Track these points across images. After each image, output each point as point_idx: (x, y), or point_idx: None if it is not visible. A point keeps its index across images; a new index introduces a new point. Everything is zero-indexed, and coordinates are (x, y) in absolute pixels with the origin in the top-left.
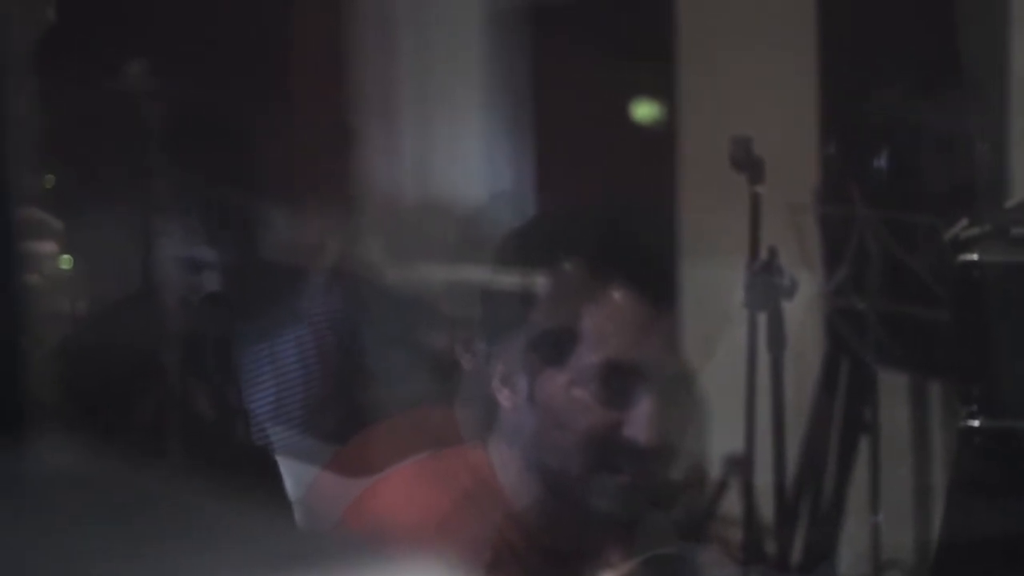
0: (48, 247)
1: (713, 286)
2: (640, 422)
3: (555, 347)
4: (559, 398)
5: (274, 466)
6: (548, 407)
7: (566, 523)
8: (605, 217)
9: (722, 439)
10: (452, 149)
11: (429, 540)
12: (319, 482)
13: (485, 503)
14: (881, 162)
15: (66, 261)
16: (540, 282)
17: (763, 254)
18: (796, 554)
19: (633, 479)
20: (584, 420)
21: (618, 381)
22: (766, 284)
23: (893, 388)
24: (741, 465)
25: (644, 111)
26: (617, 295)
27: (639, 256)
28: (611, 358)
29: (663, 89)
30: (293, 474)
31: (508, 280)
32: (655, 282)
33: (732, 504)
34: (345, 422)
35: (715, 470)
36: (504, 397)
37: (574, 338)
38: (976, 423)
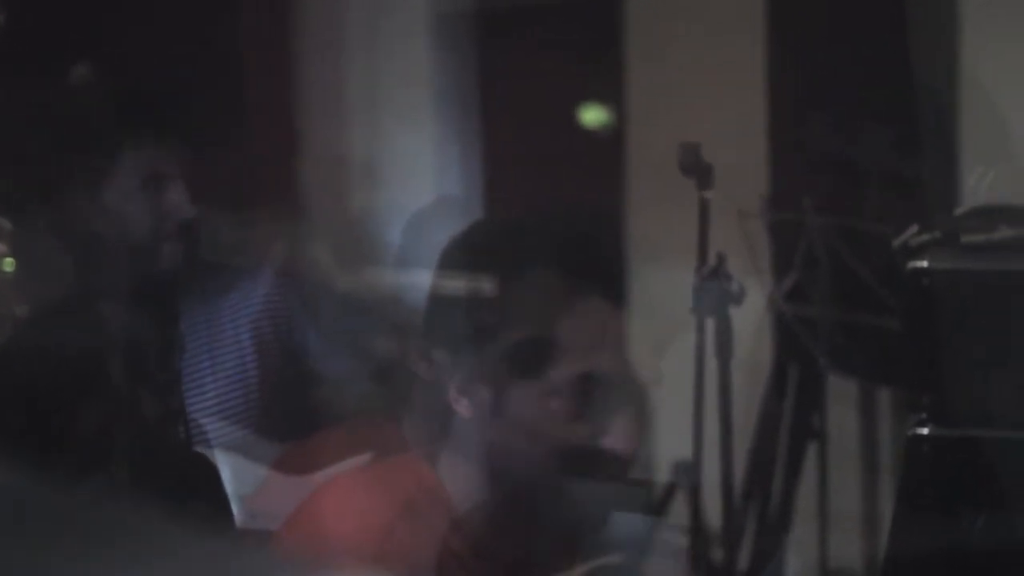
0: None
1: (661, 292)
2: (620, 431)
3: (529, 359)
4: (532, 410)
5: (213, 468)
6: (519, 418)
7: (517, 532)
8: (566, 224)
9: (670, 445)
10: (399, 153)
11: (373, 549)
12: (265, 483)
13: (430, 512)
14: (830, 168)
15: (8, 264)
16: (495, 289)
17: (711, 260)
18: (743, 561)
19: (610, 486)
20: (560, 431)
21: (594, 391)
22: (714, 290)
23: (842, 395)
24: (688, 471)
25: (592, 116)
26: (592, 305)
27: (607, 263)
28: (589, 368)
29: (612, 94)
30: (240, 472)
31: (463, 287)
32: (622, 289)
33: (679, 510)
34: (290, 423)
35: (662, 476)
36: (463, 407)
37: (549, 349)
38: (925, 431)
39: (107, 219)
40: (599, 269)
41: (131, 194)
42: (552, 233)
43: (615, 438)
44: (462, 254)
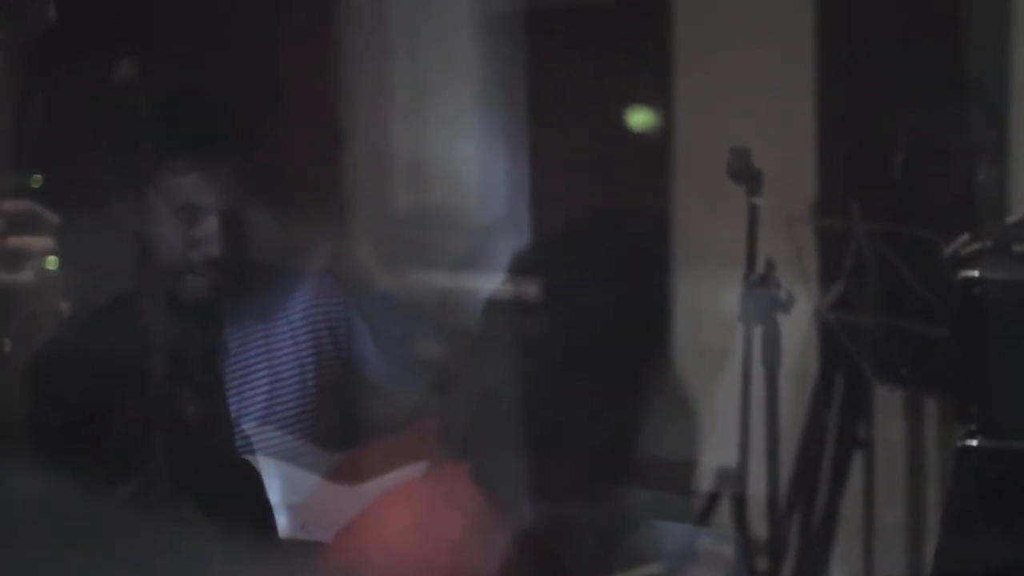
0: (43, 244)
1: (709, 299)
2: None
3: None
4: None
5: (256, 475)
6: None
7: (567, 535)
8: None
9: (716, 452)
10: (445, 154)
11: (437, 566)
12: (315, 493)
13: (486, 519)
14: (880, 175)
15: (52, 261)
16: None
17: (760, 267)
18: (788, 571)
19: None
20: None
21: None
22: (762, 297)
23: (889, 404)
24: (734, 480)
25: (641, 119)
26: None
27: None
28: None
29: (660, 97)
30: (291, 481)
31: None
32: None
33: (724, 519)
34: (344, 431)
35: (708, 484)
36: None
37: None
38: (974, 442)
39: (144, 230)
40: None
41: (165, 216)
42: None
43: None
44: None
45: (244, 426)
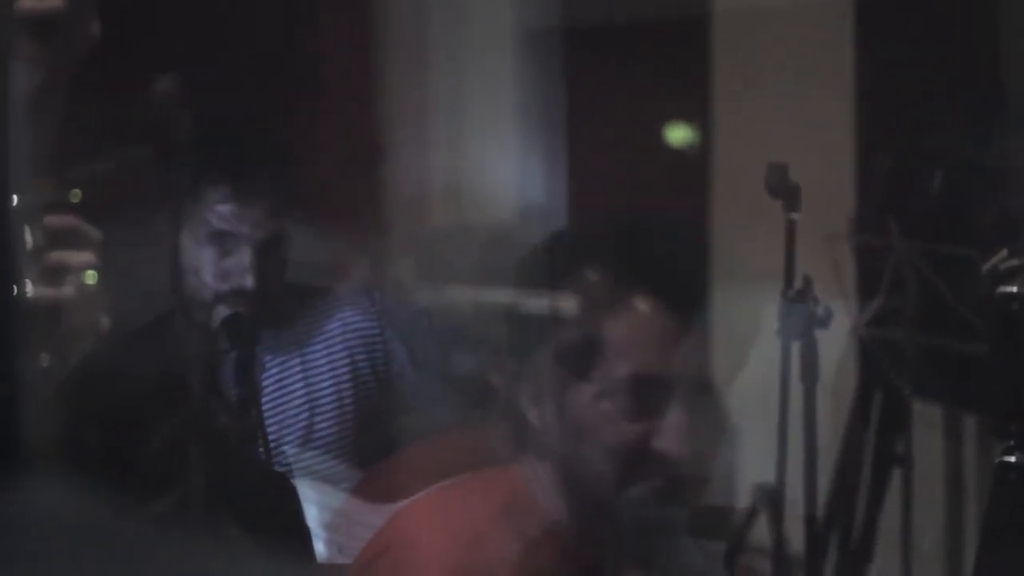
0: (84, 258)
1: (747, 314)
2: (671, 433)
3: (579, 359)
4: (587, 411)
5: (293, 491)
6: (576, 421)
7: (600, 539)
8: (628, 227)
9: (753, 469)
10: (484, 169)
11: (463, 563)
12: (349, 503)
13: (519, 523)
14: (919, 192)
15: (92, 276)
16: (567, 298)
17: (798, 282)
18: None
19: (664, 489)
20: (613, 433)
21: (646, 392)
22: (800, 313)
23: (928, 421)
24: (772, 495)
25: (679, 135)
26: (641, 305)
27: (663, 265)
28: (637, 370)
29: (699, 113)
30: (320, 499)
31: (535, 297)
32: (681, 292)
33: (762, 535)
34: (381, 451)
35: (745, 500)
36: (534, 415)
37: (598, 350)
38: (1012, 459)
39: (177, 256)
40: (653, 270)
41: (197, 245)
42: (612, 236)
43: (666, 439)
44: (534, 262)
45: (284, 450)
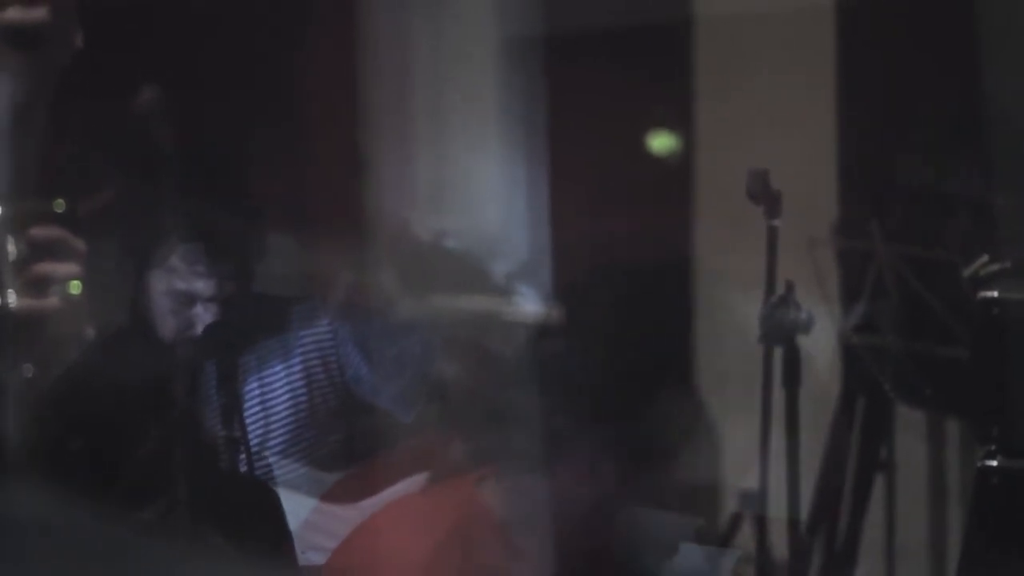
0: (68, 269)
1: (729, 320)
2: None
3: None
4: None
5: (275, 498)
6: None
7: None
8: None
9: (737, 474)
10: (467, 178)
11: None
12: (316, 513)
13: (479, 536)
14: (899, 197)
15: (76, 286)
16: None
17: (780, 288)
18: None
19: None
20: None
21: None
22: (782, 318)
23: (910, 425)
24: (755, 501)
25: (660, 143)
26: None
27: None
28: None
29: (681, 120)
30: (291, 506)
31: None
32: None
33: (745, 540)
34: (341, 453)
35: (729, 505)
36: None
37: None
38: (994, 463)
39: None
40: None
41: (163, 287)
42: None
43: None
44: None
45: (255, 459)
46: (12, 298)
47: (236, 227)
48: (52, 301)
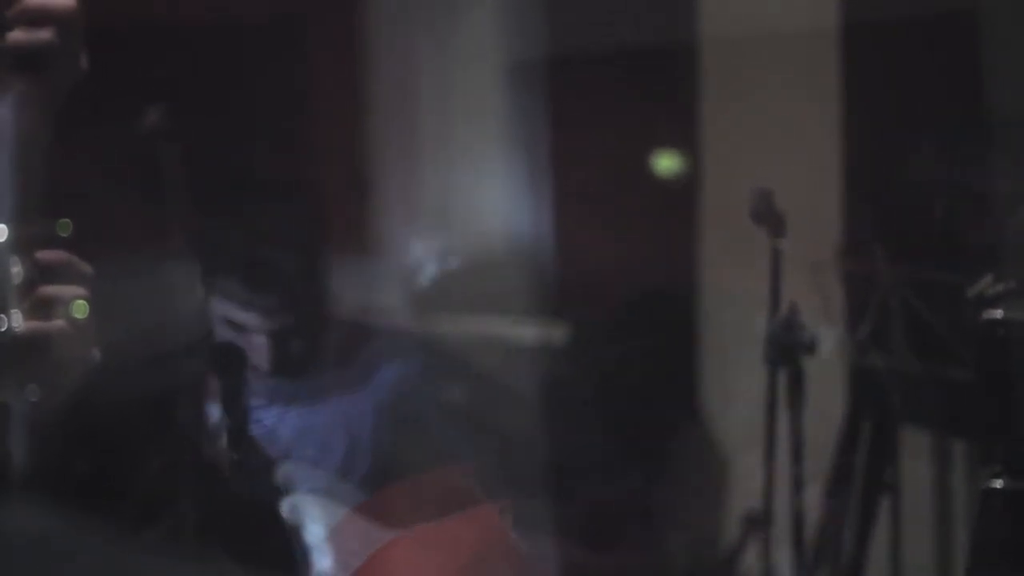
0: (75, 292)
1: (734, 341)
2: None
3: None
4: None
5: (282, 520)
6: None
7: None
8: None
9: (742, 496)
10: (471, 198)
11: None
12: (338, 532)
13: (499, 565)
14: (904, 218)
15: (82, 309)
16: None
17: (784, 309)
18: None
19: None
20: None
21: None
22: (787, 340)
23: (915, 447)
24: (760, 523)
25: (665, 163)
26: None
27: None
28: None
29: (686, 142)
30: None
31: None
32: None
33: (751, 563)
34: (369, 475)
35: (734, 527)
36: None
37: None
38: (999, 484)
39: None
40: None
41: (220, 316)
42: None
43: None
44: None
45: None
46: (17, 320)
47: (279, 255)
48: (57, 323)
